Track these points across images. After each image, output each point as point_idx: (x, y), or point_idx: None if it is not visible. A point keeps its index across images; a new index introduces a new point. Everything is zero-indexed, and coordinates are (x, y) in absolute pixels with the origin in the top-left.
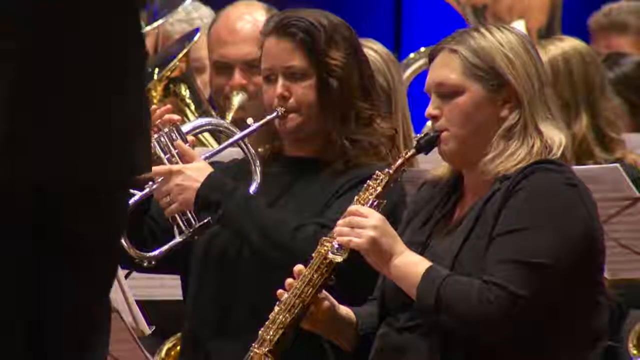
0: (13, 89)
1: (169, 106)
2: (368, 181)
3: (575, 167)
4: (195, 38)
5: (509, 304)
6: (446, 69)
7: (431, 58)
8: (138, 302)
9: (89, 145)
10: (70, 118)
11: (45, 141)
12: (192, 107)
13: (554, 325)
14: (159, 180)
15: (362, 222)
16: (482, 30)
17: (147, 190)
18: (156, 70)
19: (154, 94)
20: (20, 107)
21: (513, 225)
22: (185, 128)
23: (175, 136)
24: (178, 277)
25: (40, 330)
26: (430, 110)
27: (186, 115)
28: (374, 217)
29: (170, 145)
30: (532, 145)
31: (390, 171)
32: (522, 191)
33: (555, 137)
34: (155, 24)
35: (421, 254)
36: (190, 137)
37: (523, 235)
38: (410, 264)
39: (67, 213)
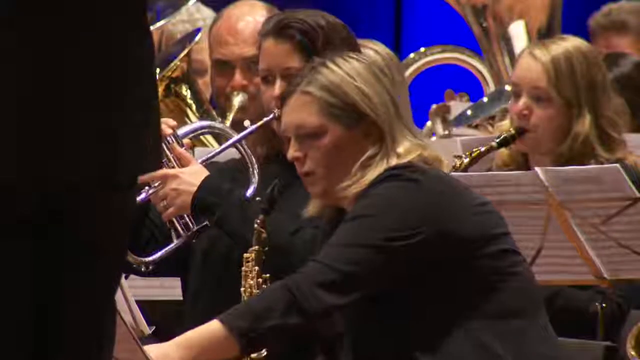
0: (20, 90)
1: None
2: (243, 268)
3: (575, 167)
4: (197, 38)
5: (337, 283)
6: (303, 111)
7: (283, 101)
8: (138, 302)
9: (90, 146)
10: (71, 119)
11: (47, 142)
12: (193, 107)
13: (450, 302)
14: (156, 184)
15: None
16: (329, 64)
17: (143, 195)
18: (157, 70)
19: None
20: (24, 109)
21: (346, 217)
22: (180, 132)
23: (171, 140)
24: (178, 277)
25: (43, 332)
26: (292, 153)
27: (187, 116)
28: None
29: (166, 149)
30: (388, 168)
31: (257, 247)
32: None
33: (410, 147)
34: (158, 24)
35: None
36: (186, 141)
37: (352, 223)
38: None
39: (69, 214)
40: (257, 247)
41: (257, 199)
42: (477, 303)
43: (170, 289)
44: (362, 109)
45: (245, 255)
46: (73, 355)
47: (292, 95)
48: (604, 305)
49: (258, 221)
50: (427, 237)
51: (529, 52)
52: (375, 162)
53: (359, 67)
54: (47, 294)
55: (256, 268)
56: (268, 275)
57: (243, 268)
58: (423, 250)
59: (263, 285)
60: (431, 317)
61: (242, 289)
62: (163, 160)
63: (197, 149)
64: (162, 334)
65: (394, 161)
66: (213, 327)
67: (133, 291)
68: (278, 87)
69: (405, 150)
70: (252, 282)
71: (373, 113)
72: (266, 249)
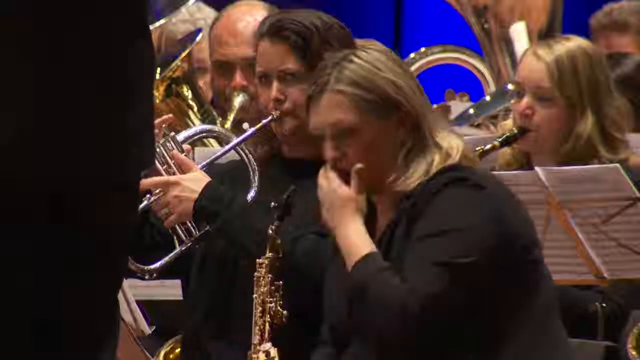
0: (21, 90)
1: None
2: (256, 274)
3: (575, 167)
4: (198, 38)
5: (433, 309)
6: (337, 110)
7: (309, 101)
8: (138, 302)
9: (91, 146)
10: (71, 119)
11: (47, 142)
12: (194, 107)
13: (495, 317)
14: (157, 192)
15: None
16: (352, 57)
17: (145, 202)
18: (158, 70)
19: (155, 94)
20: (24, 110)
21: (425, 231)
22: (180, 137)
23: (171, 146)
24: (179, 279)
25: (43, 332)
26: (330, 153)
27: (188, 116)
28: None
29: (166, 156)
30: (432, 161)
31: (270, 254)
32: (430, 206)
33: (453, 142)
34: (158, 24)
35: None
36: (186, 146)
37: (436, 240)
38: (354, 239)
39: (69, 214)
40: (270, 254)
41: (273, 204)
42: (526, 307)
43: (170, 288)
44: (394, 99)
45: (258, 260)
46: (73, 355)
47: (322, 95)
48: (604, 305)
49: (273, 227)
50: (499, 243)
51: (533, 51)
52: (414, 153)
53: (381, 57)
54: (47, 293)
55: (269, 275)
56: (281, 282)
57: (255, 273)
58: (497, 256)
59: (276, 293)
60: (483, 321)
61: (255, 295)
62: (164, 167)
63: (198, 149)
64: (162, 334)
65: (437, 155)
66: None
67: (133, 291)
68: (275, 89)
69: (449, 145)
70: (264, 289)
71: (406, 102)
72: (280, 255)
